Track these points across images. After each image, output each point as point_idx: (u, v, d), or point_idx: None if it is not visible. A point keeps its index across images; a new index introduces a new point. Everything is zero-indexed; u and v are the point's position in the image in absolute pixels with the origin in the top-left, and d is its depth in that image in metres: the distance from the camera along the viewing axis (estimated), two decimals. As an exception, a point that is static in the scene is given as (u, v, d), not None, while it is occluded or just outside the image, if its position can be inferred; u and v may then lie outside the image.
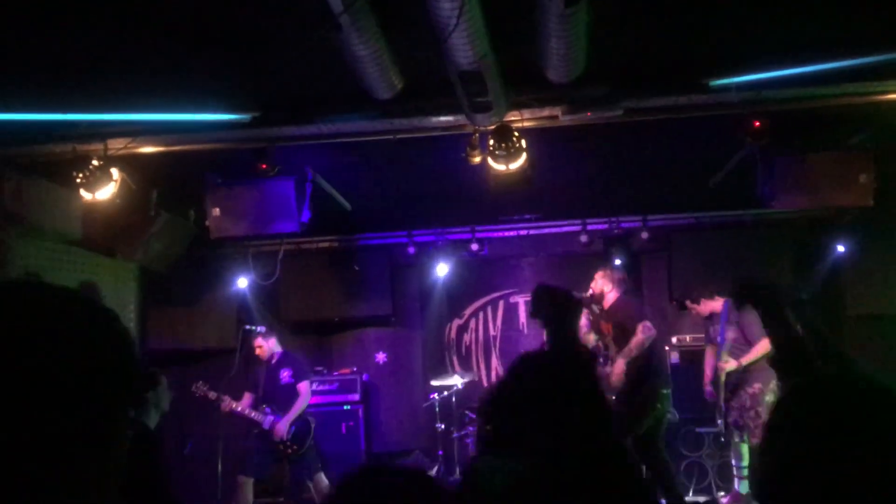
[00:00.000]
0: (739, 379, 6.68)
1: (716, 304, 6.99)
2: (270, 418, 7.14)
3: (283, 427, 7.09)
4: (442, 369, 8.94)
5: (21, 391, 0.84)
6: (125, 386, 0.94)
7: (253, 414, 7.18)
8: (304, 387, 7.33)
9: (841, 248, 7.74)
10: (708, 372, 6.97)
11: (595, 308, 7.12)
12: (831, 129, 6.05)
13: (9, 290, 0.93)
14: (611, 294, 6.89)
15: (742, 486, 6.85)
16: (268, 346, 7.41)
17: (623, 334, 6.68)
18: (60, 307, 0.93)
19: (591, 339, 7.47)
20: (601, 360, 7.10)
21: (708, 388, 6.93)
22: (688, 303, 7.28)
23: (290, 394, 7.28)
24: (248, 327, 7.79)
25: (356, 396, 8.43)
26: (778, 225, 8.15)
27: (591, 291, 6.93)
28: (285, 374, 7.33)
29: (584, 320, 7.56)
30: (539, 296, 1.86)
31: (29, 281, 0.96)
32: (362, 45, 4.08)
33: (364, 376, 8.70)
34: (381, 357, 9.14)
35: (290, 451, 7.13)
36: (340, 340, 9.18)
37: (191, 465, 7.97)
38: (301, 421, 7.23)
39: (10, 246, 5.74)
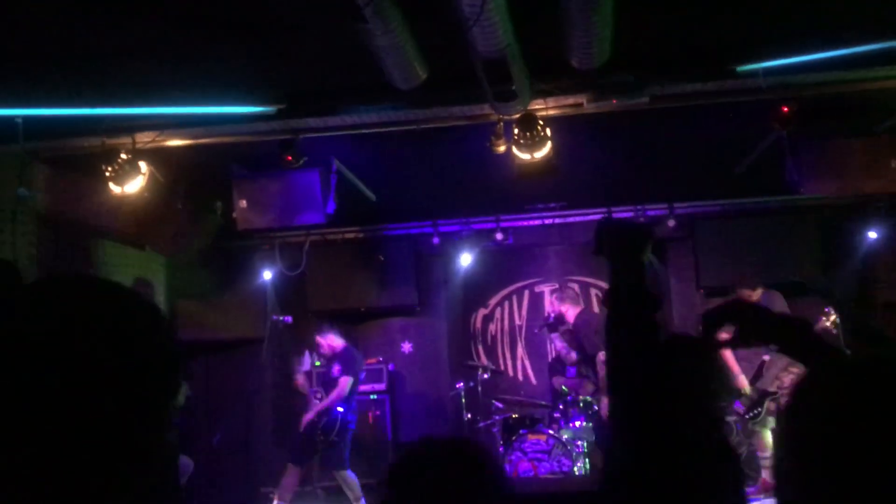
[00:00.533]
0: (774, 367, 6.66)
1: (755, 295, 6.90)
2: (318, 403, 7.40)
3: (308, 416, 7.25)
4: (467, 359, 8.96)
5: (71, 383, 0.87)
6: (170, 380, 0.96)
7: (312, 401, 7.49)
8: (343, 381, 7.46)
9: (872, 235, 7.63)
10: (733, 365, 6.93)
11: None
12: (860, 115, 5.96)
13: (62, 283, 0.96)
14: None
15: (769, 476, 6.81)
16: (326, 343, 7.59)
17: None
18: (111, 301, 0.95)
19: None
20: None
21: (742, 378, 6.89)
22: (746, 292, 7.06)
23: (336, 386, 7.49)
24: (275, 317, 7.88)
25: (382, 386, 8.49)
26: (806, 212, 8.05)
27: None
28: (336, 369, 7.50)
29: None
30: (604, 228, 1.74)
31: (82, 275, 0.99)
32: (386, 35, 4.09)
33: (390, 366, 8.75)
34: (406, 346, 9.18)
35: (319, 439, 7.27)
36: (366, 330, 9.23)
37: (219, 455, 8.08)
38: (332, 413, 7.35)
39: (43, 240, 5.83)
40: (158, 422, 0.94)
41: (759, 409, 6.82)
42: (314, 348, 7.79)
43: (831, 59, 4.75)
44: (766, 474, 6.88)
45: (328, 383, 7.49)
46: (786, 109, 5.15)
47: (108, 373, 0.89)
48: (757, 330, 1.64)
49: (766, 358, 6.76)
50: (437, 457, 1.49)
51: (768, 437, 6.79)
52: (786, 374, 6.64)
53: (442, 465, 1.45)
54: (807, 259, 7.90)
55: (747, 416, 6.89)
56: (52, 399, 0.86)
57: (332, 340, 7.62)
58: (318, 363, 7.68)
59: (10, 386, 0.86)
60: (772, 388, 6.75)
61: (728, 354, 6.91)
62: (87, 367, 0.88)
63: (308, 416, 7.27)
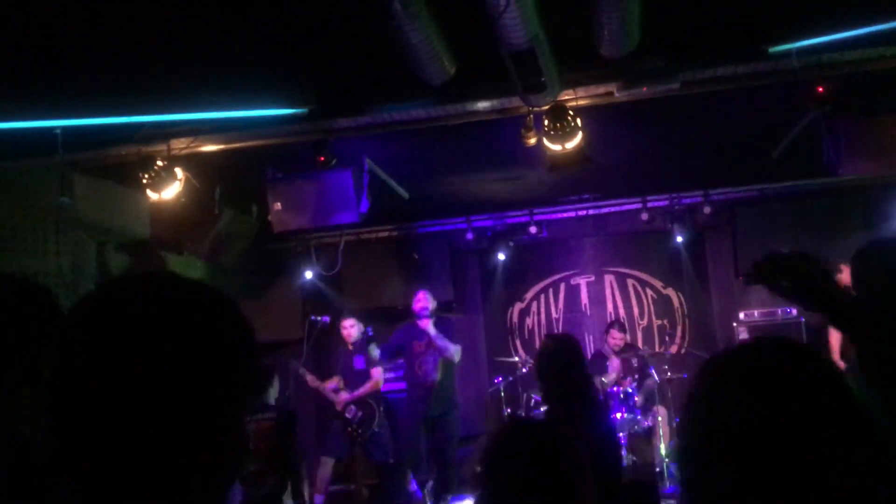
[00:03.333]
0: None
1: (845, 277, 6.74)
2: (343, 396, 7.40)
3: (343, 399, 7.30)
4: (505, 354, 8.95)
5: (158, 375, 0.89)
6: (251, 376, 0.98)
7: (329, 395, 7.49)
8: (375, 372, 7.52)
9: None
10: (835, 345, 6.80)
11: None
12: (900, 91, 5.83)
13: (150, 281, 0.99)
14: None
15: None
16: (358, 329, 7.63)
17: None
18: (197, 298, 0.98)
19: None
20: None
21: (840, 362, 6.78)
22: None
23: (364, 379, 7.53)
24: (313, 318, 7.95)
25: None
26: (846, 193, 7.91)
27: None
28: (359, 360, 7.55)
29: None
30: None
31: (166, 273, 1.02)
32: (414, 31, 4.09)
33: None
34: (444, 343, 9.18)
35: (355, 435, 7.31)
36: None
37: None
38: (367, 407, 7.40)
39: (85, 249, 5.95)
40: (237, 415, 0.97)
41: None
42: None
43: (866, 36, 4.65)
44: None
45: (354, 374, 7.54)
46: (821, 89, 5.05)
47: (191, 364, 0.92)
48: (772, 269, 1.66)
49: None
50: (530, 438, 1.59)
51: None
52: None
53: (534, 446, 1.55)
54: (850, 242, 7.74)
55: None
56: (149, 390, 0.89)
57: (358, 332, 7.64)
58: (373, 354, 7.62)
59: (111, 370, 0.88)
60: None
61: (833, 341, 6.79)
62: (168, 357, 0.90)
63: (342, 398, 7.35)
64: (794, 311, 8.03)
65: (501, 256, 8.93)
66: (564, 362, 3.84)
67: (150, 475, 0.88)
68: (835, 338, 6.82)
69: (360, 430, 7.34)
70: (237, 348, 0.97)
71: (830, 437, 1.04)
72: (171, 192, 5.77)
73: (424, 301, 7.20)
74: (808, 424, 1.04)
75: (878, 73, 5.15)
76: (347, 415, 7.36)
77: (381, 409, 7.49)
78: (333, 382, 7.63)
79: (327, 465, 7.35)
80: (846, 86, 5.14)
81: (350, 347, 7.66)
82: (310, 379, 7.53)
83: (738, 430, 1.05)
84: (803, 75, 5.01)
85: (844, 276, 6.59)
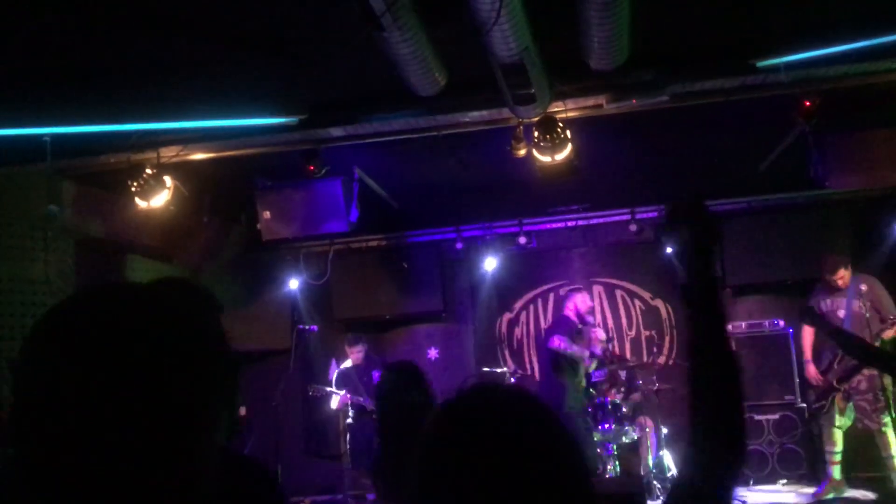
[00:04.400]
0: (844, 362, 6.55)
1: (844, 278, 6.79)
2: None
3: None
4: (494, 363, 8.95)
5: (128, 384, 0.89)
6: (223, 382, 0.98)
7: (368, 402, 7.49)
8: None
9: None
10: (807, 351, 6.84)
11: None
12: (885, 105, 5.88)
13: (115, 291, 0.98)
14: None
15: (835, 472, 6.72)
16: (365, 351, 7.80)
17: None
18: (182, 307, 0.98)
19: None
20: None
21: (811, 367, 6.79)
22: (827, 276, 6.83)
23: None
24: (301, 327, 7.95)
25: (410, 392, 8.51)
26: (834, 205, 7.96)
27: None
28: (377, 375, 7.60)
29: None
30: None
31: (133, 284, 1.01)
32: (404, 43, 4.11)
33: (418, 372, 8.77)
34: (433, 353, 9.19)
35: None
36: (392, 337, 9.25)
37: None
38: None
39: (73, 256, 5.92)
40: (215, 424, 0.96)
41: (825, 402, 6.70)
42: (342, 355, 7.88)
43: (852, 52, 4.70)
44: (830, 470, 6.75)
45: (372, 387, 7.59)
46: (808, 103, 5.10)
47: (175, 372, 0.91)
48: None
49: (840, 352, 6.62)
50: (496, 406, 1.22)
51: (836, 433, 6.69)
52: (867, 370, 6.51)
53: (502, 416, 1.20)
54: (837, 253, 7.79)
55: (814, 407, 6.77)
56: (117, 397, 0.88)
57: (361, 350, 7.75)
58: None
59: (80, 382, 0.88)
60: (838, 385, 6.62)
61: (806, 341, 6.82)
62: (139, 367, 0.90)
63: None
64: (782, 323, 8.06)
65: (490, 266, 8.94)
66: (404, 393, 3.61)
67: (111, 493, 0.87)
68: (807, 339, 6.85)
69: None
70: (205, 360, 0.96)
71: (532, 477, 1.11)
72: (159, 200, 5.76)
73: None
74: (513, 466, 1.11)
75: (864, 88, 5.21)
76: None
77: None
78: (345, 396, 7.69)
79: (362, 473, 7.46)
80: (833, 100, 5.19)
81: (361, 366, 7.77)
82: (339, 397, 7.61)
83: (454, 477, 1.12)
84: (791, 89, 5.06)
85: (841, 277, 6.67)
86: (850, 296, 6.70)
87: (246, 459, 1.69)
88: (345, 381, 7.87)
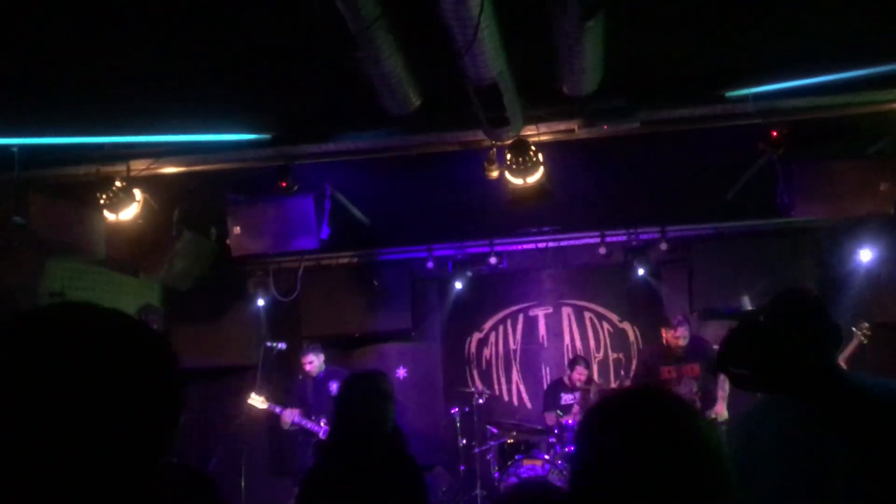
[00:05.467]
0: None
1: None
2: (326, 428, 7.30)
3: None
4: (462, 384, 8.94)
5: (69, 404, 0.88)
6: (171, 404, 0.97)
7: (309, 424, 7.39)
8: None
9: (864, 257, 7.67)
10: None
11: None
12: (850, 137, 6.02)
13: (62, 311, 0.97)
14: None
15: None
16: (318, 361, 7.66)
17: None
18: (111, 328, 0.97)
19: None
20: None
21: (720, 403, 7.01)
22: None
23: None
24: (269, 344, 7.88)
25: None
26: (798, 234, 8.11)
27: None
28: (334, 387, 7.48)
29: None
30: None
31: (81, 303, 0.99)
32: (380, 63, 4.13)
33: (385, 392, 8.72)
34: (401, 372, 9.16)
35: None
36: (361, 355, 9.21)
37: (216, 480, 8.00)
38: None
39: (39, 269, 5.83)
40: (157, 445, 0.95)
41: None
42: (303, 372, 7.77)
43: (819, 85, 4.81)
44: None
45: (326, 403, 7.45)
46: (775, 133, 5.21)
47: (105, 393, 0.90)
48: None
49: None
50: (633, 408, 1.29)
51: None
52: None
53: (638, 417, 1.26)
54: (801, 281, 7.92)
55: None
56: (47, 417, 0.87)
57: (323, 361, 7.68)
58: None
59: (11, 403, 0.87)
60: None
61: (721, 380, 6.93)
62: (85, 388, 0.89)
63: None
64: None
65: (461, 286, 8.95)
66: (362, 403, 3.30)
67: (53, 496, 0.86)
68: None
69: None
70: (151, 383, 0.96)
71: (677, 477, 1.17)
72: (128, 213, 5.70)
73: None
74: (656, 467, 1.18)
75: (830, 120, 5.33)
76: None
77: None
78: (296, 413, 7.53)
79: None
80: (799, 131, 5.30)
81: (318, 377, 7.64)
82: (286, 416, 7.45)
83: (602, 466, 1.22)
84: (758, 119, 5.16)
85: None
86: None
87: (185, 468, 1.68)
88: (298, 395, 7.73)
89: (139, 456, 0.92)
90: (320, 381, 7.61)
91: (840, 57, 4.67)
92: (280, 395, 7.79)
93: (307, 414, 7.48)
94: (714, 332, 8.63)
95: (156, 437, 0.94)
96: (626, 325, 9.25)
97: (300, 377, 7.81)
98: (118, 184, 5.58)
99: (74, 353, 0.91)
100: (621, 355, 9.15)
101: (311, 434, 7.42)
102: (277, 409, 7.46)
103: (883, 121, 5.51)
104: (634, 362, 9.11)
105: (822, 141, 5.96)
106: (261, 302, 8.51)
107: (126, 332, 0.98)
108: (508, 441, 7.46)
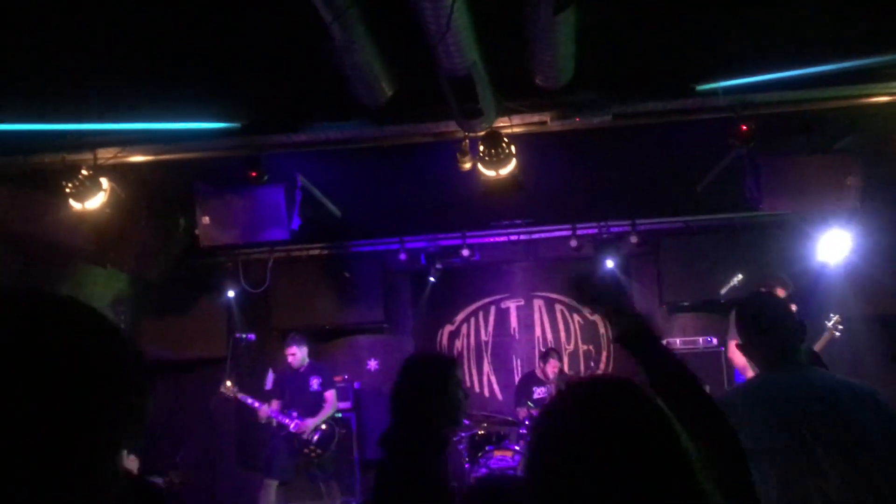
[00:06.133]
0: None
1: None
2: (297, 421, 7.29)
3: (308, 426, 7.24)
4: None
5: (17, 393, 0.85)
6: (127, 399, 0.94)
7: (281, 417, 7.36)
8: (330, 395, 7.57)
9: (829, 250, 7.77)
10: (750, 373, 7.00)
11: None
12: (818, 133, 6.09)
13: (11, 298, 0.94)
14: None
15: None
16: (301, 354, 7.61)
17: None
18: (58, 314, 0.94)
19: None
20: None
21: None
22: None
23: (318, 401, 7.51)
24: (238, 335, 7.82)
25: (348, 404, 8.43)
26: (766, 227, 8.21)
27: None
28: (315, 382, 7.50)
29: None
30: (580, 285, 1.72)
31: (32, 289, 0.96)
32: (352, 53, 4.10)
33: (356, 384, 8.70)
34: (372, 364, 9.15)
35: (313, 455, 7.27)
36: (332, 348, 9.18)
37: (183, 476, 7.95)
38: (327, 426, 7.40)
39: (5, 259, 5.72)
40: (110, 440, 0.92)
41: None
42: (279, 364, 7.75)
43: (788, 79, 4.87)
44: None
45: (305, 397, 7.45)
46: (744, 127, 5.24)
47: (55, 387, 0.87)
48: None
49: None
50: (603, 395, 1.28)
51: None
52: None
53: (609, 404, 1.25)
54: (767, 274, 8.01)
55: None
56: None
57: (306, 354, 7.66)
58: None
59: None
60: None
61: (745, 366, 6.93)
62: (34, 380, 0.86)
63: (306, 426, 7.24)
64: (715, 341, 8.26)
65: (433, 278, 8.95)
66: (429, 389, 2.89)
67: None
68: (740, 361, 6.99)
69: (319, 451, 7.31)
70: (104, 374, 0.93)
71: (644, 465, 1.16)
72: (95, 202, 5.60)
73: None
74: (623, 455, 1.16)
75: (799, 115, 5.39)
76: (306, 436, 7.28)
77: (338, 429, 7.49)
78: (276, 405, 7.50)
79: (270, 489, 7.23)
80: (768, 125, 5.35)
81: (300, 370, 7.61)
82: (262, 411, 7.38)
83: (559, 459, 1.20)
84: (728, 113, 5.21)
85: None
86: None
87: (139, 482, 1.65)
88: (277, 386, 7.71)
89: (78, 451, 0.89)
90: (301, 374, 7.59)
91: (809, 52, 4.72)
92: (253, 388, 7.73)
93: (284, 408, 7.44)
94: (682, 325, 8.74)
95: (97, 433, 0.91)
96: (597, 318, 9.31)
97: (280, 369, 7.78)
98: (84, 172, 5.48)
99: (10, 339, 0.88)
100: (591, 347, 9.22)
101: (282, 427, 7.38)
102: (252, 402, 7.41)
103: (850, 116, 5.60)
104: (604, 354, 9.18)
105: (790, 135, 6.02)
106: (231, 293, 8.43)
107: (74, 321, 0.94)
108: (479, 432, 7.48)
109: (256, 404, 7.39)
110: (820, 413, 2.52)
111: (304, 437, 7.28)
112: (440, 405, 2.90)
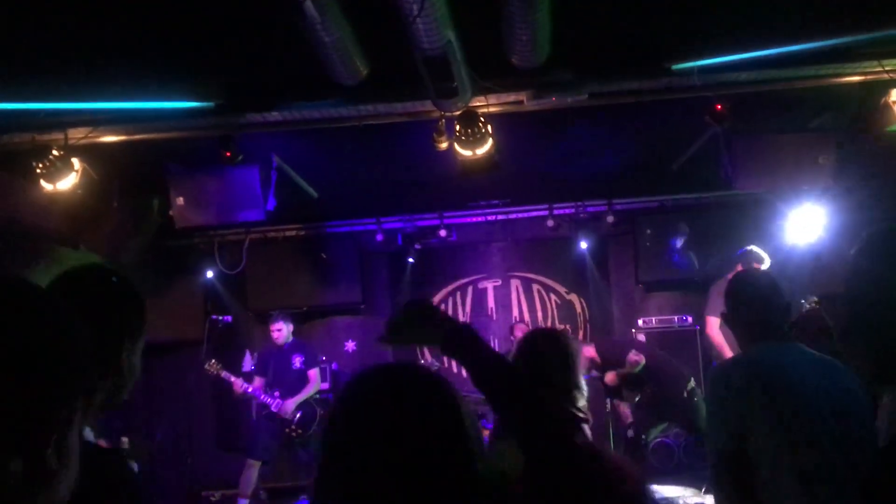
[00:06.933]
0: None
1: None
2: (279, 401, 7.23)
3: (289, 406, 7.23)
4: (412, 356, 8.96)
5: None
6: (66, 376, 0.93)
7: (262, 397, 7.31)
8: (314, 374, 7.52)
9: (806, 229, 7.82)
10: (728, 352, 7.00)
11: None
12: (793, 111, 6.14)
13: None
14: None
15: None
16: (287, 330, 7.55)
17: None
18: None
19: None
20: None
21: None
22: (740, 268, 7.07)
23: (300, 379, 7.46)
24: (214, 317, 7.77)
25: (326, 385, 8.43)
26: (741, 206, 8.27)
27: None
28: (298, 360, 7.46)
29: None
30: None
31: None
32: (327, 31, 4.05)
33: (333, 365, 8.70)
34: (350, 345, 9.14)
35: (294, 434, 7.24)
36: (309, 329, 9.15)
37: (162, 452, 7.95)
38: (309, 406, 7.36)
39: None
40: (57, 420, 0.91)
41: None
42: (260, 344, 7.70)
43: (762, 59, 4.88)
44: None
45: (287, 375, 7.41)
46: (719, 107, 5.27)
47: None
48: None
49: None
50: (396, 384, 1.31)
51: None
52: None
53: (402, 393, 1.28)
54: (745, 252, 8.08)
55: None
56: None
57: (290, 331, 7.60)
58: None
59: None
60: None
61: (723, 343, 6.97)
62: None
63: (288, 406, 7.21)
64: (690, 319, 8.34)
65: (411, 259, 8.94)
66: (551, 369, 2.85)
67: None
68: (717, 338, 7.03)
69: (300, 431, 7.28)
70: (44, 351, 0.92)
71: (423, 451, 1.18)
72: (66, 183, 5.53)
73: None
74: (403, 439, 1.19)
75: (773, 94, 5.42)
76: (287, 416, 7.25)
77: (320, 410, 7.46)
78: (258, 383, 7.45)
79: (253, 468, 7.20)
80: (743, 104, 5.38)
81: (283, 348, 7.55)
82: (236, 383, 7.31)
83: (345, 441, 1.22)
84: (703, 93, 5.22)
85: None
86: None
87: (100, 451, 1.63)
88: (261, 364, 7.67)
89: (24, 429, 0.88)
90: (284, 351, 7.55)
91: (783, 32, 4.74)
92: (230, 370, 7.69)
93: (267, 386, 7.40)
94: (658, 304, 8.81)
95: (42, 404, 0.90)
96: (574, 297, 9.37)
97: (266, 346, 7.75)
98: (55, 153, 5.40)
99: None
100: (568, 326, 9.28)
101: (265, 407, 7.35)
102: (235, 380, 7.38)
103: (824, 95, 5.63)
104: (581, 333, 9.25)
105: (765, 114, 6.06)
106: (210, 274, 8.38)
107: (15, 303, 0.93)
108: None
109: (238, 381, 7.34)
110: (812, 384, 2.58)
111: (286, 417, 7.27)
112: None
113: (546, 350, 2.88)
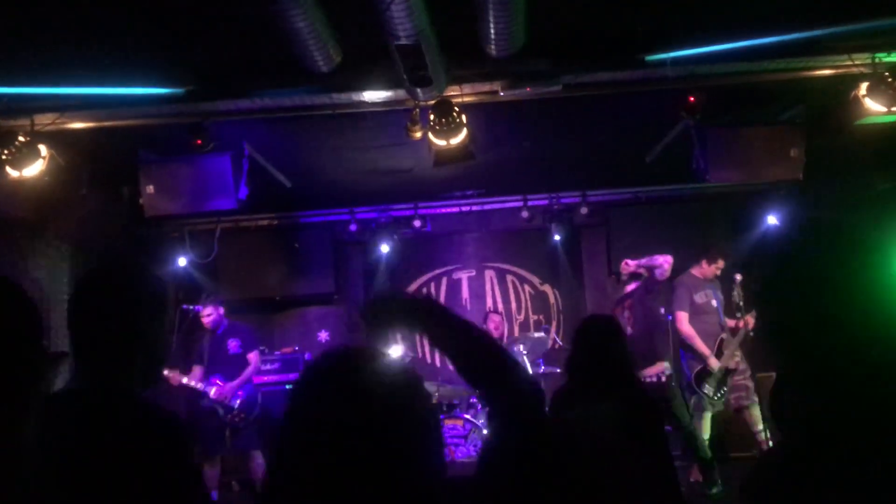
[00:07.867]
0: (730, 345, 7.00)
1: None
2: (218, 387, 6.97)
3: (228, 391, 6.94)
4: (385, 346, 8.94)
5: None
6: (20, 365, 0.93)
7: (199, 385, 6.99)
8: (253, 356, 7.20)
9: (773, 221, 7.91)
10: (702, 346, 7.02)
11: None
12: (764, 105, 6.19)
13: None
14: None
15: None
16: (217, 314, 7.19)
17: None
18: None
19: None
20: None
21: (714, 360, 6.94)
22: (707, 265, 7.20)
23: (239, 364, 7.14)
24: (185, 307, 7.65)
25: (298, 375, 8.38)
26: (713, 199, 8.33)
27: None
28: (233, 344, 7.18)
29: None
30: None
31: None
32: (299, 16, 4.01)
33: (306, 355, 8.64)
34: (323, 335, 9.10)
35: (237, 419, 6.98)
36: (282, 319, 9.10)
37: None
38: (251, 390, 7.13)
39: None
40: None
41: (725, 388, 6.96)
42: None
43: (735, 51, 4.91)
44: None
45: (224, 360, 7.10)
46: (692, 99, 5.30)
47: None
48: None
49: (724, 336, 6.99)
50: (348, 367, 1.32)
51: (756, 412, 6.98)
52: (738, 352, 7.00)
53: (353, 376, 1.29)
54: (716, 244, 8.13)
55: (716, 397, 6.93)
56: None
57: (222, 315, 7.24)
58: None
59: None
60: (731, 366, 6.95)
61: (694, 336, 7.01)
62: None
63: (227, 390, 6.98)
64: (662, 310, 8.40)
65: (385, 249, 8.91)
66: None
67: None
68: (688, 331, 7.07)
69: (242, 414, 7.01)
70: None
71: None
72: (33, 169, 5.43)
73: None
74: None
75: (745, 87, 5.46)
76: (227, 401, 6.97)
77: (260, 392, 7.25)
78: (197, 372, 7.11)
79: (214, 461, 7.02)
80: (716, 97, 5.41)
81: (216, 333, 7.21)
82: (173, 377, 6.94)
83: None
84: (677, 85, 5.25)
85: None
86: (716, 287, 7.10)
87: (149, 408, 1.66)
88: (198, 353, 7.27)
89: None
90: (218, 337, 7.20)
91: (755, 24, 4.77)
92: (199, 359, 7.56)
93: (206, 374, 7.08)
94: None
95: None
96: (547, 288, 9.40)
97: (204, 334, 7.35)
98: (21, 139, 5.31)
99: None
100: (541, 317, 9.31)
101: (202, 396, 7.01)
102: (168, 374, 6.85)
103: (795, 88, 5.68)
104: (554, 323, 9.28)
105: (736, 107, 6.10)
106: (182, 262, 8.26)
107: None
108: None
109: (174, 374, 6.89)
110: None
111: (227, 402, 7.02)
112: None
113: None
